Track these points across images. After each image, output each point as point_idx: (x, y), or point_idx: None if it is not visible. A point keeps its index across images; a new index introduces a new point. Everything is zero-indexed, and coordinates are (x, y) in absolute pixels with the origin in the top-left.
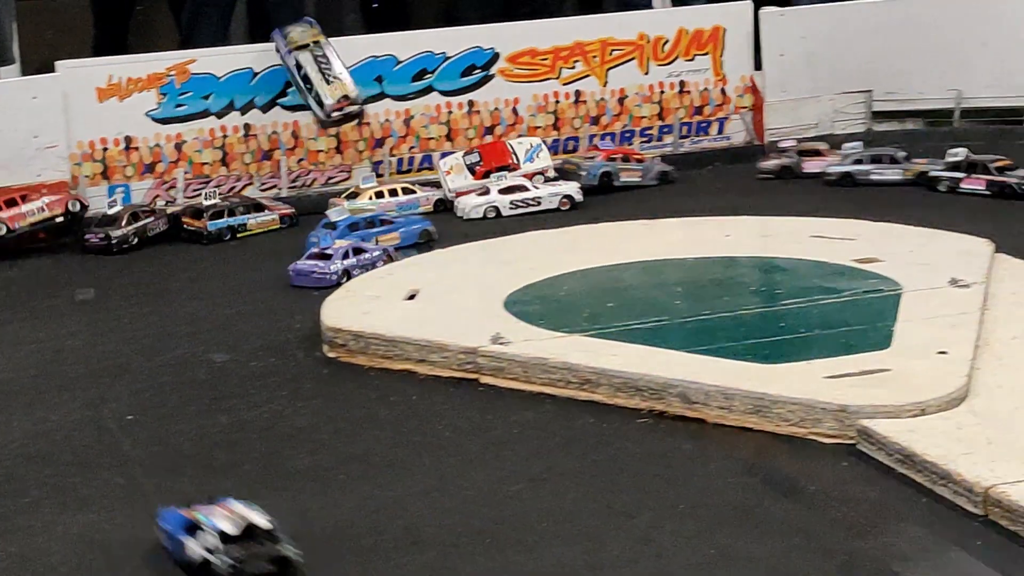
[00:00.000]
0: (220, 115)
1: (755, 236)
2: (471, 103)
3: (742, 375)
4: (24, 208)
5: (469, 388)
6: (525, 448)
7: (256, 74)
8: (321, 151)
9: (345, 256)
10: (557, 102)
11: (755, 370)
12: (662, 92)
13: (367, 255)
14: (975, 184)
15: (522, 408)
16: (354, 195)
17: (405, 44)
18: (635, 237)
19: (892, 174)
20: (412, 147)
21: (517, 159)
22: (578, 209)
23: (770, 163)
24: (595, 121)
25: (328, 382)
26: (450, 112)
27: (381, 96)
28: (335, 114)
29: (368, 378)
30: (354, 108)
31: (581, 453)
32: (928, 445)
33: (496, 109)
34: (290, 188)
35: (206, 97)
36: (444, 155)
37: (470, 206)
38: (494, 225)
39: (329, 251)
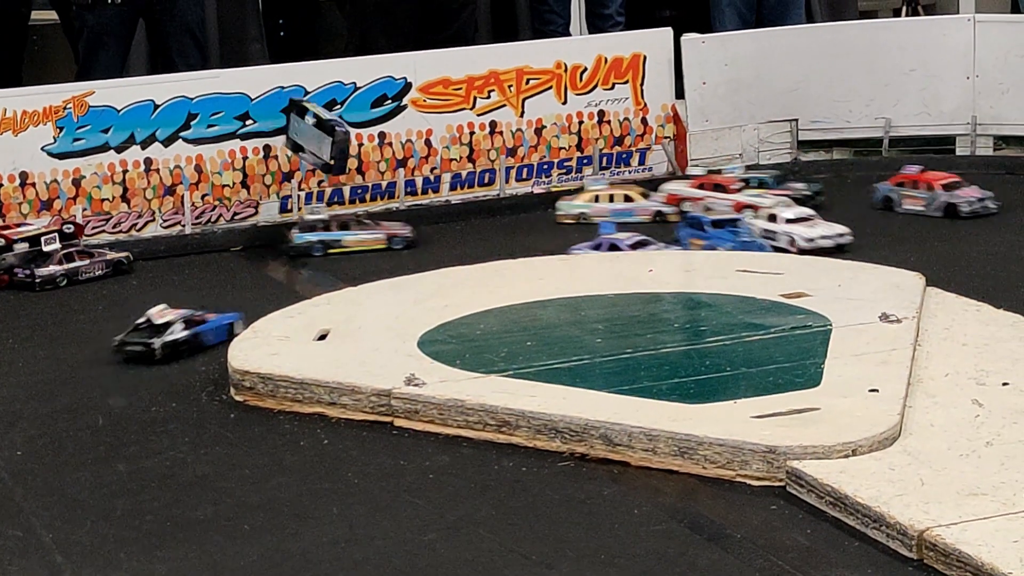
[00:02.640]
0: (120, 149)
1: (679, 271)
2: (382, 135)
3: (666, 416)
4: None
5: (383, 431)
6: (440, 495)
7: (157, 106)
8: (227, 186)
9: (611, 248)
10: (472, 133)
11: (680, 410)
12: (581, 122)
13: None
14: None
15: (437, 452)
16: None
17: (313, 74)
18: (553, 273)
19: None
20: (321, 182)
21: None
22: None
23: None
24: (511, 152)
25: (234, 427)
26: (360, 144)
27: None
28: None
29: (277, 422)
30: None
31: (498, 500)
32: (860, 487)
33: (408, 141)
34: (194, 224)
35: (105, 131)
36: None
37: None
38: None
39: (612, 239)
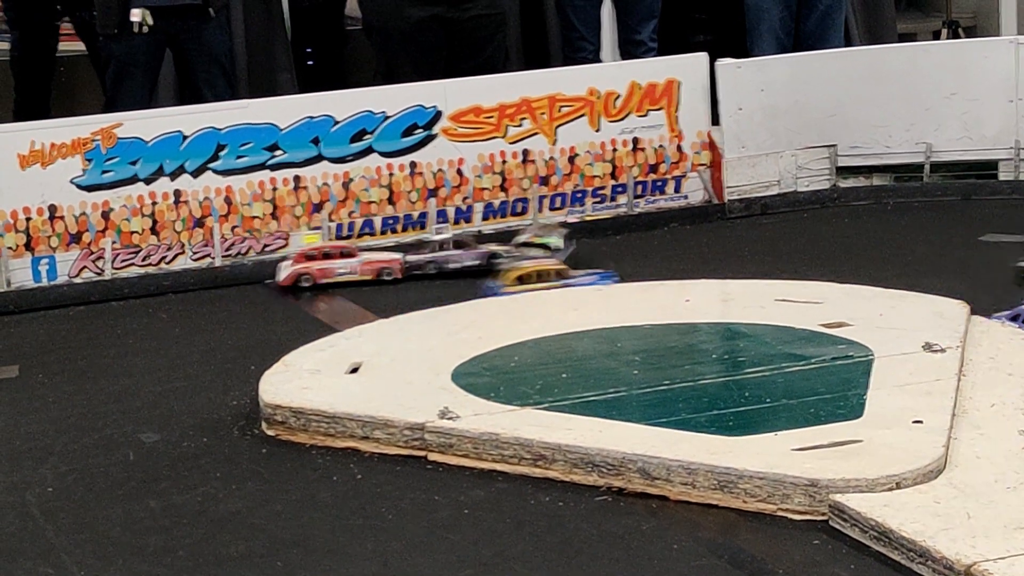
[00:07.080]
0: (149, 181)
1: (716, 301)
2: (413, 164)
3: (705, 449)
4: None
5: (416, 466)
6: (474, 531)
7: (186, 138)
8: (256, 217)
9: (1014, 319)
10: (504, 162)
11: (719, 443)
12: (615, 150)
13: None
14: None
15: (472, 487)
16: None
17: (343, 103)
18: (588, 304)
19: None
20: (352, 212)
21: None
22: None
23: None
24: (544, 181)
25: (265, 462)
26: (391, 174)
27: (319, 159)
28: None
29: (309, 457)
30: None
31: (534, 535)
32: (904, 520)
33: (440, 170)
34: (224, 256)
35: (134, 162)
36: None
37: None
38: None
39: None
